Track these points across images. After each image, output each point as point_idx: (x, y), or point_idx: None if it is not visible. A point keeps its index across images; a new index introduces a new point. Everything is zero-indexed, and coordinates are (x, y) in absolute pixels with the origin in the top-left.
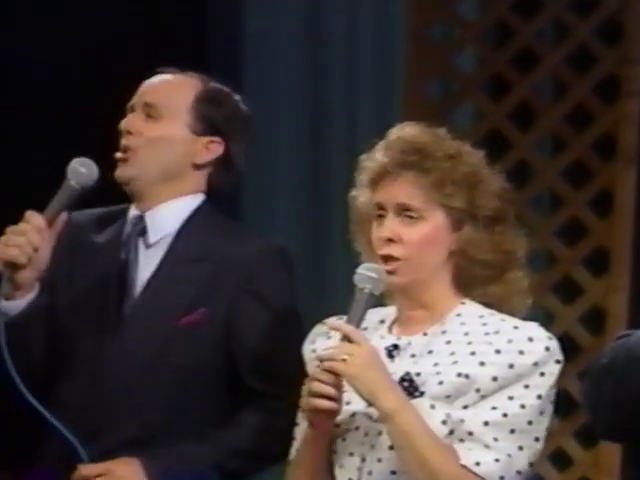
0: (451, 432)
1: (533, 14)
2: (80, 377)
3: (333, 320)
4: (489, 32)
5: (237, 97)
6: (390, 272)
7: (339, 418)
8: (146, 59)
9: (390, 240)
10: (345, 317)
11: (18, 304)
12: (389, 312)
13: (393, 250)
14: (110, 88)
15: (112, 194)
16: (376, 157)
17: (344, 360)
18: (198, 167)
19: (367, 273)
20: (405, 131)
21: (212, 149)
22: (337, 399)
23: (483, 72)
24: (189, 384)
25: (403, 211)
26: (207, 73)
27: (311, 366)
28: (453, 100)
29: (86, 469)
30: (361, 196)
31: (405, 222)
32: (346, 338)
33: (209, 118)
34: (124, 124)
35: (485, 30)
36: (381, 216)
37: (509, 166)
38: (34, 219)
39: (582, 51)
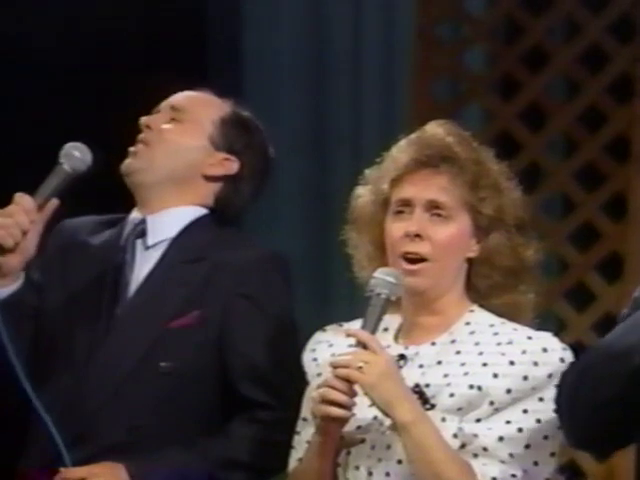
0: (462, 446)
1: (543, 11)
2: (66, 379)
3: (349, 326)
4: (498, 29)
5: (265, 134)
6: (411, 274)
7: (344, 430)
8: (145, 61)
9: (417, 236)
10: (346, 324)
11: (1, 292)
12: (393, 320)
13: (419, 247)
14: (110, 93)
15: (107, 197)
16: (408, 151)
17: (360, 368)
18: (208, 179)
19: (385, 278)
20: (440, 129)
21: (226, 166)
22: (349, 407)
23: (492, 71)
24: (179, 389)
25: (433, 208)
26: (206, 73)
27: (312, 375)
28: (461, 100)
29: (68, 472)
30: (368, 194)
31: (433, 220)
32: (361, 345)
33: (231, 138)
34: (145, 119)
35: (494, 27)
36: (401, 212)
37: (519, 168)
38: (23, 201)
39: (594, 49)
